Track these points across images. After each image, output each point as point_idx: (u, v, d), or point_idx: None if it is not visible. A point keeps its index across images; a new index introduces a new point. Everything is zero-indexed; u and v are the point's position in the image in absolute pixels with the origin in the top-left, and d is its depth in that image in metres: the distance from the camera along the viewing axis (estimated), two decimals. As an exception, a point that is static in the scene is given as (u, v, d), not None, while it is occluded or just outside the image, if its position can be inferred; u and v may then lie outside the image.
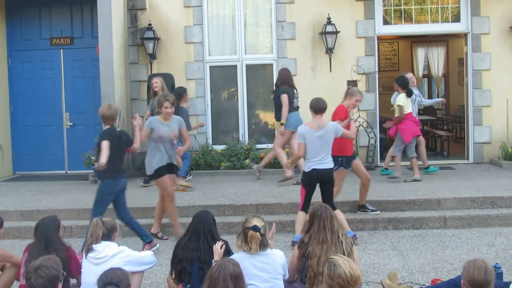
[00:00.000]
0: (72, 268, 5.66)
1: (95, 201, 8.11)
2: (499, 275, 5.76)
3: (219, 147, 13.26)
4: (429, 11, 13.50)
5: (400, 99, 11.41)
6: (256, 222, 5.41)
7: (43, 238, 5.70)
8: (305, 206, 8.21)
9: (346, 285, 4.23)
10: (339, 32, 12.86)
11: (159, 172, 8.67)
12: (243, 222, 5.49)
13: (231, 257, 5.32)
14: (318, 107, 8.27)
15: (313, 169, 8.16)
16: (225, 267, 4.45)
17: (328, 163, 8.21)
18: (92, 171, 11.89)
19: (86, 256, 5.62)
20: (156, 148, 8.68)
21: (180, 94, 11.37)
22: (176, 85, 12.31)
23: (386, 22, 13.53)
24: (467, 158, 13.48)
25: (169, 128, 8.69)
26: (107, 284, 4.44)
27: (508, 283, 5.51)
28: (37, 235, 5.80)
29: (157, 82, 11.08)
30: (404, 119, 11.31)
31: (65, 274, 4.68)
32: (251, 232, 5.33)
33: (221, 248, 5.66)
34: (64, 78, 13.63)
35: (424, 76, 19.63)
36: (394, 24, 13.65)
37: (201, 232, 5.90)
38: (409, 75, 12.25)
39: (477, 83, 13.20)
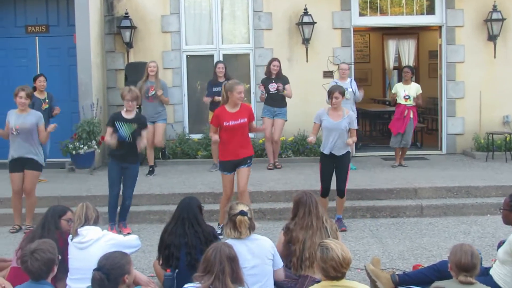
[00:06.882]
0: (66, 254, 5.64)
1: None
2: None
3: (196, 136, 13.23)
4: (404, 3, 13.65)
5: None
6: (241, 207, 5.45)
7: (41, 223, 5.72)
8: None
9: (339, 267, 4.35)
10: (315, 23, 12.90)
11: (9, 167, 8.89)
12: (228, 211, 5.50)
13: (222, 242, 5.38)
14: None
15: None
16: (221, 249, 4.50)
17: None
18: (69, 159, 11.86)
19: (71, 240, 5.57)
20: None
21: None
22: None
23: (361, 13, 13.63)
24: (440, 149, 13.70)
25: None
26: (96, 270, 4.43)
27: (488, 268, 5.67)
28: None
29: (155, 67, 11.44)
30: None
31: (60, 258, 4.68)
32: (239, 217, 5.37)
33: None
34: (40, 67, 13.41)
35: (394, 68, 19.75)
36: (369, 15, 13.75)
37: (185, 219, 5.96)
38: (342, 66, 11.68)
39: (450, 75, 13.39)
